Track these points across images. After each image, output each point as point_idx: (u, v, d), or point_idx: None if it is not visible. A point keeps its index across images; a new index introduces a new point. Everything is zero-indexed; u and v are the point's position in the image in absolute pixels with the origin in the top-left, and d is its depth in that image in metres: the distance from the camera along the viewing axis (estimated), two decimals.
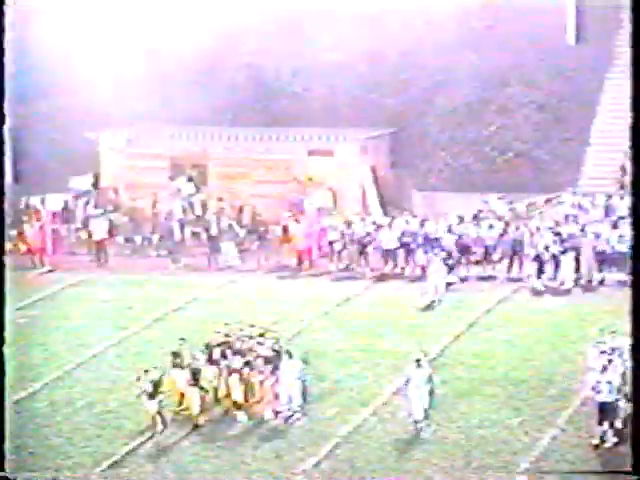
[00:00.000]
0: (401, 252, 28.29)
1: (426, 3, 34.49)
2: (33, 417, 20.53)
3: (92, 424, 20.25)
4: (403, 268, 28.24)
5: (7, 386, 18.02)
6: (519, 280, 27.35)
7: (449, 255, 27.23)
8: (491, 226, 28.16)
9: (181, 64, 34.83)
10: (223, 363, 20.43)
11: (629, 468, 17.32)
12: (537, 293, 26.70)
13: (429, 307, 25.93)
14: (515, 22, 33.89)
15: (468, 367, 22.22)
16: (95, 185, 32.96)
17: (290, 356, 20.38)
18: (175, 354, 20.44)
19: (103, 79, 34.86)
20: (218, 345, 20.72)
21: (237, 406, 20.29)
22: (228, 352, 20.61)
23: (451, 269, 27.23)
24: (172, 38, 34.97)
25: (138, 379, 19.97)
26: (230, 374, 20.30)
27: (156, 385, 19.78)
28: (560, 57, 33.75)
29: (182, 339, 20.84)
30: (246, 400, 20.31)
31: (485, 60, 33.97)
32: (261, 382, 20.31)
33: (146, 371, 20.03)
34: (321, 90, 34.88)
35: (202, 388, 20.10)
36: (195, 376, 20.09)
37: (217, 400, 20.61)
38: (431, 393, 19.68)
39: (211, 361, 20.43)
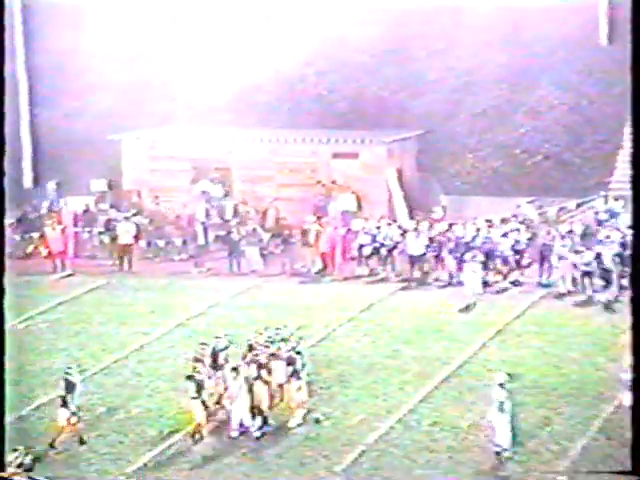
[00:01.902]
0: (429, 257, 28.23)
1: (454, 3, 34.44)
2: (54, 423, 20.58)
3: (114, 430, 20.30)
4: (427, 273, 28.14)
5: (6, 386, 18.25)
6: (548, 286, 27.25)
7: (504, 260, 27.17)
8: (518, 230, 28.04)
9: (203, 66, 34.92)
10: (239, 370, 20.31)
11: (629, 468, 17.25)
12: (562, 298, 26.55)
13: (466, 310, 25.84)
14: (545, 22, 33.77)
15: (496, 374, 22.09)
16: (111, 187, 33.12)
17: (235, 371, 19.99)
18: (197, 359, 20.42)
19: (126, 80, 35.01)
20: (223, 350, 20.60)
21: (259, 412, 20.26)
22: (248, 358, 20.59)
23: (504, 276, 27.17)
24: (194, 39, 35.07)
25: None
26: (252, 381, 20.31)
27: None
28: (592, 57, 33.62)
29: (203, 344, 20.86)
30: (270, 407, 20.31)
31: (514, 61, 33.87)
32: (280, 385, 20.27)
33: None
34: (346, 92, 34.86)
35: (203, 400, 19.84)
36: (199, 387, 19.94)
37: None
38: (512, 419, 19.05)
39: (216, 367, 20.33)
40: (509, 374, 19.66)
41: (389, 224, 29.24)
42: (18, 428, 19.94)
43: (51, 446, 19.58)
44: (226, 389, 20.22)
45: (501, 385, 19.12)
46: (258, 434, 19.84)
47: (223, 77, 34.94)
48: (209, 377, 20.18)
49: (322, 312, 26.02)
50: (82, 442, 19.74)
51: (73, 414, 19.62)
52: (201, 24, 35.39)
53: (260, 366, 20.32)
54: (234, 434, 19.89)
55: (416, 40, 34.51)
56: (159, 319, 25.83)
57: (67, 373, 19.98)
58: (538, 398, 21.19)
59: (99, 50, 35.49)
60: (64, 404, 19.68)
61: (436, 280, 27.96)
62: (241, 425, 19.92)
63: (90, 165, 33.20)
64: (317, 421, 20.46)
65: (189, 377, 19.92)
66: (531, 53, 33.80)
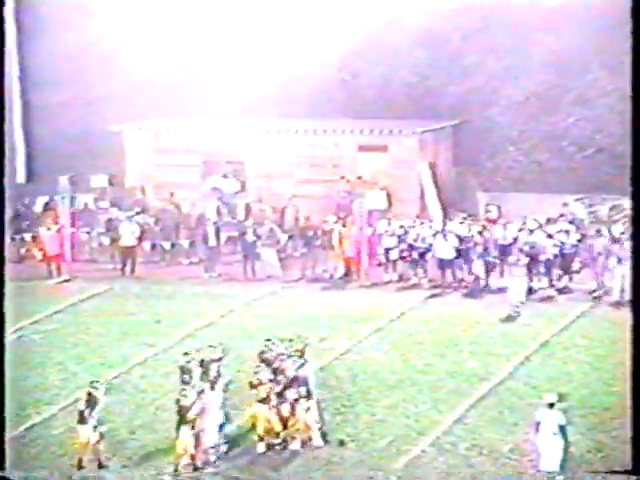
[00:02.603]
0: (460, 261, 28.12)
1: None
2: (49, 445, 20.58)
3: (114, 454, 20.22)
4: (462, 280, 28.01)
5: (7, 384, 18.65)
6: (597, 291, 27.10)
7: (551, 264, 27.09)
8: (567, 231, 27.93)
9: (215, 50, 34.98)
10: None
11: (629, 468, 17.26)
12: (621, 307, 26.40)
13: (508, 320, 25.75)
14: None
15: (540, 392, 21.89)
16: (112, 183, 33.18)
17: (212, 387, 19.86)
18: (184, 371, 20.06)
19: (129, 66, 35.10)
20: (214, 361, 20.29)
21: (259, 439, 20.09)
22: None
23: (551, 283, 27.07)
24: (206, 24, 35.16)
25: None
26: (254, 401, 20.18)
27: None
28: None
29: (187, 354, 20.49)
30: (285, 428, 20.18)
31: (562, 42, 33.76)
32: (293, 407, 20.09)
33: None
34: (373, 77, 34.87)
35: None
36: (185, 412, 19.53)
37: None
38: (564, 444, 18.73)
39: (212, 386, 20.07)
40: (559, 394, 19.48)
41: (422, 223, 29.15)
42: (10, 450, 19.91)
43: (79, 467, 19.58)
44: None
45: (551, 406, 18.89)
46: (224, 449, 19.71)
47: (235, 62, 34.99)
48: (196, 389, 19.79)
49: (346, 322, 26.01)
50: (100, 466, 19.64)
51: (93, 432, 19.55)
52: (211, 9, 35.46)
53: (253, 385, 20.05)
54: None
55: (450, 20, 34.45)
56: (165, 329, 25.85)
57: (92, 386, 19.95)
58: (588, 419, 21.00)
59: (104, 32, 35.63)
60: (82, 420, 19.61)
61: (471, 287, 27.85)
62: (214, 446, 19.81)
63: (89, 159, 33.30)
64: (341, 443, 20.38)
65: (177, 401, 19.71)
66: (580, 32, 33.66)
